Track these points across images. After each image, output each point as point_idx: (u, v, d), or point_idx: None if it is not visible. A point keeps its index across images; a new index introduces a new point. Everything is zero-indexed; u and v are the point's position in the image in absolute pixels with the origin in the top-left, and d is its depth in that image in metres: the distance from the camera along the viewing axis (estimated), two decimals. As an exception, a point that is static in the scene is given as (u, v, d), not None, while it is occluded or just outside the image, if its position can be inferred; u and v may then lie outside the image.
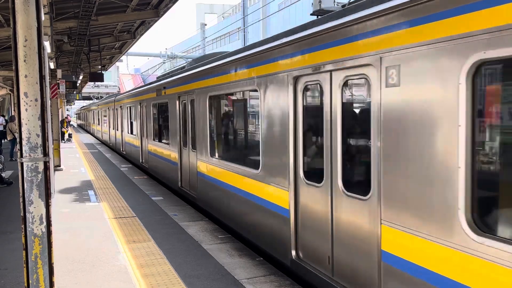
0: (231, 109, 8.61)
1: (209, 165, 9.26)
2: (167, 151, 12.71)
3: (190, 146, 10.64)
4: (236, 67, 7.63)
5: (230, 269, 6.30)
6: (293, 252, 5.93)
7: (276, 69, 6.15)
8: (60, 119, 21.67)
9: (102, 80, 20.67)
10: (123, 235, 8.03)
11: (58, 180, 13.97)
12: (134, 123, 17.74)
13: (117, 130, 23.12)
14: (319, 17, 5.73)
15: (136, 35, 16.74)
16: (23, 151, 3.89)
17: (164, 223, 8.90)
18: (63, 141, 29.87)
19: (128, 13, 13.31)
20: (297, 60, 5.65)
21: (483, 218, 3.36)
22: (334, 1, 6.38)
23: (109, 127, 26.73)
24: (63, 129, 30.58)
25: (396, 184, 4.09)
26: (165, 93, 12.78)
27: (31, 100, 3.86)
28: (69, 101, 50.14)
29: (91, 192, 12.25)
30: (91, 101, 37.15)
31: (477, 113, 3.36)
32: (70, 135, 34.76)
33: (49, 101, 13.18)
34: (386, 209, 4.22)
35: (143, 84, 29.35)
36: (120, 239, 7.81)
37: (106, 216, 9.47)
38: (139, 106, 16.57)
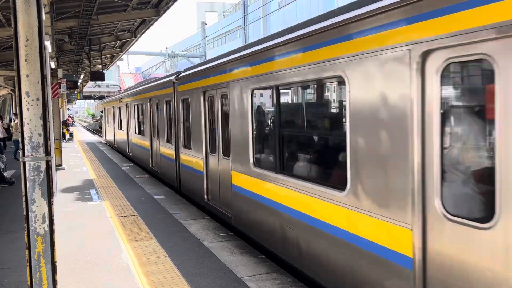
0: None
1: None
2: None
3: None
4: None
5: (232, 266, 6.32)
6: None
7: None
8: (62, 120, 21.76)
9: (103, 79, 20.70)
10: (125, 234, 8.05)
11: (60, 179, 14.00)
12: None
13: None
14: None
15: (137, 34, 16.77)
16: (25, 151, 3.90)
17: (166, 221, 8.92)
18: (64, 141, 29.93)
19: (128, 12, 13.33)
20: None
21: None
22: None
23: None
24: (64, 130, 30.61)
25: None
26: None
27: (32, 100, 3.87)
28: (70, 101, 50.21)
29: (93, 191, 12.28)
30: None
31: None
32: (71, 135, 34.83)
33: (51, 100, 13.21)
34: None
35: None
36: (122, 237, 7.84)
37: (108, 215, 9.50)
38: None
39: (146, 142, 16.29)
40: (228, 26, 49.48)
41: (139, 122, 18.09)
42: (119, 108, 23.29)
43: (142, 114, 17.13)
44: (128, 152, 20.96)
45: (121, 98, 22.52)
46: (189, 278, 5.92)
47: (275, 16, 47.09)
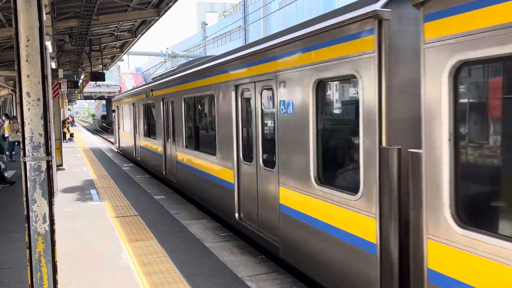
0: None
1: None
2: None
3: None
4: None
5: (232, 266, 6.33)
6: None
7: None
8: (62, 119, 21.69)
9: (103, 80, 20.72)
10: (125, 234, 8.06)
11: (61, 179, 14.00)
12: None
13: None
14: None
15: (137, 34, 16.79)
16: (26, 151, 3.92)
17: (166, 221, 8.93)
18: (65, 141, 29.95)
19: (129, 13, 13.35)
20: None
21: None
22: None
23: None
24: (64, 130, 30.59)
25: None
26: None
27: (33, 100, 3.88)
28: (71, 101, 50.26)
29: (93, 191, 12.29)
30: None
31: None
32: (72, 135, 34.83)
33: (51, 100, 13.22)
34: None
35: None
36: (122, 237, 7.84)
37: (109, 215, 9.51)
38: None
39: (224, 169, 8.59)
40: (229, 26, 49.48)
41: (196, 129, 10.76)
42: (147, 105, 16.00)
43: (204, 116, 10.45)
44: (165, 174, 13.70)
45: (152, 90, 14.95)
46: (189, 278, 5.93)
47: (276, 16, 47.08)
